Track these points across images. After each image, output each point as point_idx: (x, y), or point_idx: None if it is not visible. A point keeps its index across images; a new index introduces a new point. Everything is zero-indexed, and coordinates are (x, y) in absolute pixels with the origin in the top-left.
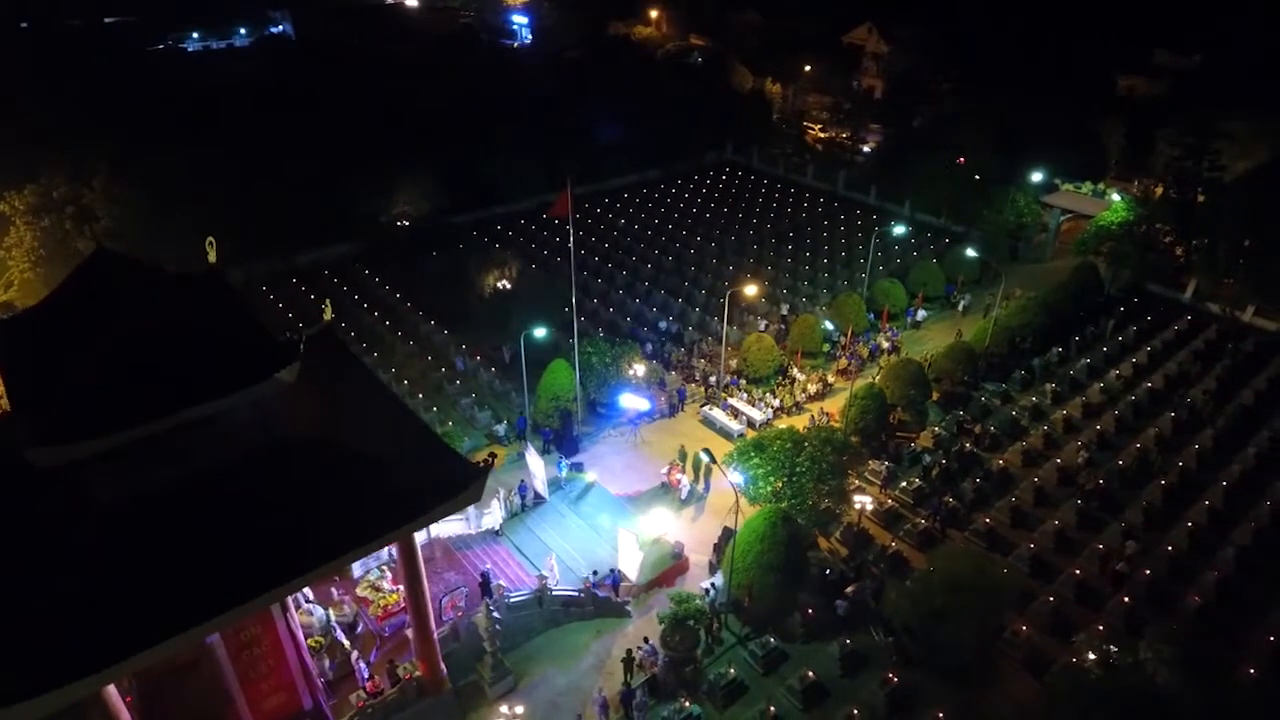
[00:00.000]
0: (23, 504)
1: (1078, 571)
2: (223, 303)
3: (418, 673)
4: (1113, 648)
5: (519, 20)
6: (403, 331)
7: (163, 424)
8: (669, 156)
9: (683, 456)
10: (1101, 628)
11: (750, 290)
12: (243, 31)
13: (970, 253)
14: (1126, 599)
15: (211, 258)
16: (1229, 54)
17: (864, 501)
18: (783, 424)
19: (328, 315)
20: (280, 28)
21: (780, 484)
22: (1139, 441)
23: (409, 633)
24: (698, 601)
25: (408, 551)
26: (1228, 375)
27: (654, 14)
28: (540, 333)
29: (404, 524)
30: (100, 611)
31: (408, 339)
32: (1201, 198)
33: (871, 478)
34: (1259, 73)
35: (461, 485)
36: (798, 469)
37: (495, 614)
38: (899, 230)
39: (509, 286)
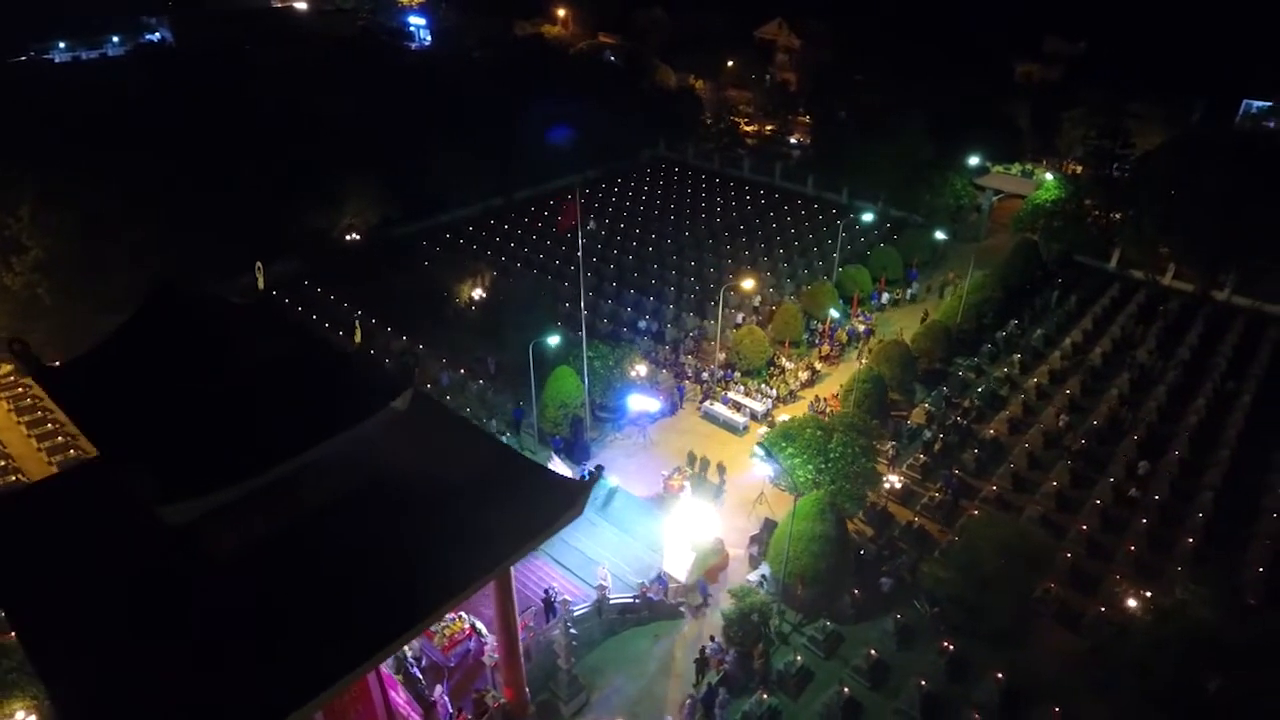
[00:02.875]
0: (138, 563)
1: (1084, 527)
2: (303, 332)
3: (504, 699)
4: (1148, 593)
5: (416, 22)
6: (373, 350)
7: (293, 464)
8: (605, 156)
9: (691, 461)
10: (1119, 576)
11: (747, 284)
12: (115, 40)
13: (940, 235)
14: (1132, 548)
15: (260, 284)
16: (1112, 41)
17: (891, 480)
18: (780, 413)
19: (357, 339)
20: (157, 35)
21: (816, 471)
22: (1105, 402)
23: (483, 660)
24: (759, 594)
25: (503, 576)
26: (1164, 335)
27: (561, 13)
28: (554, 340)
29: (516, 550)
30: (227, 688)
31: (381, 357)
32: (1118, 173)
33: (879, 457)
34: (1140, 57)
35: (568, 501)
36: (831, 455)
37: (572, 630)
38: (868, 217)
39: (484, 295)
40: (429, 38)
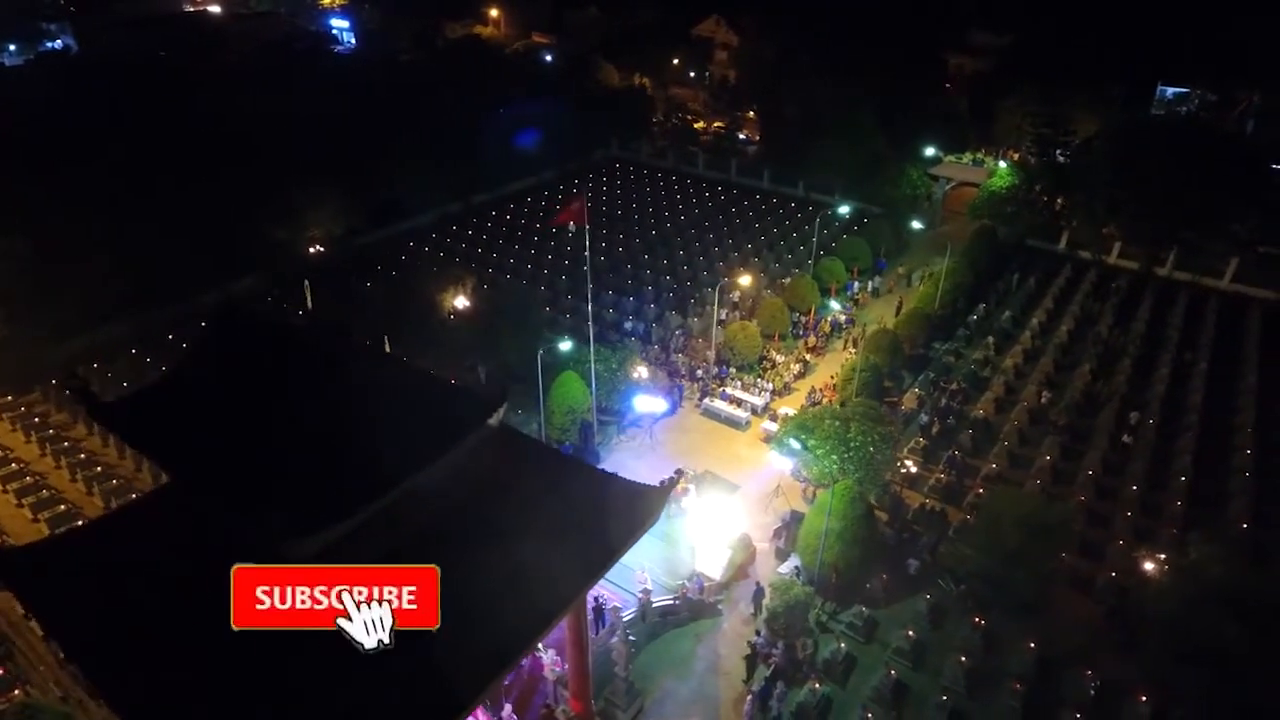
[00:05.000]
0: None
1: (1082, 498)
2: (373, 349)
3: (573, 713)
4: (1161, 555)
5: (339, 24)
6: None
7: (405, 487)
8: (559, 157)
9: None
10: (1121, 542)
11: (744, 280)
12: (12, 48)
13: (916, 224)
14: (1129, 514)
15: (309, 303)
16: (1035, 33)
17: (907, 465)
18: (779, 406)
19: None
20: (58, 43)
21: (840, 460)
22: (1078, 378)
23: (544, 674)
24: (799, 587)
25: None
26: (1119, 311)
27: (494, 13)
28: (565, 345)
29: (608, 561)
30: None
31: None
32: (1062, 159)
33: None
34: (1062, 48)
35: (648, 508)
36: (851, 444)
37: (631, 637)
38: (844, 210)
39: (468, 304)
40: (354, 40)
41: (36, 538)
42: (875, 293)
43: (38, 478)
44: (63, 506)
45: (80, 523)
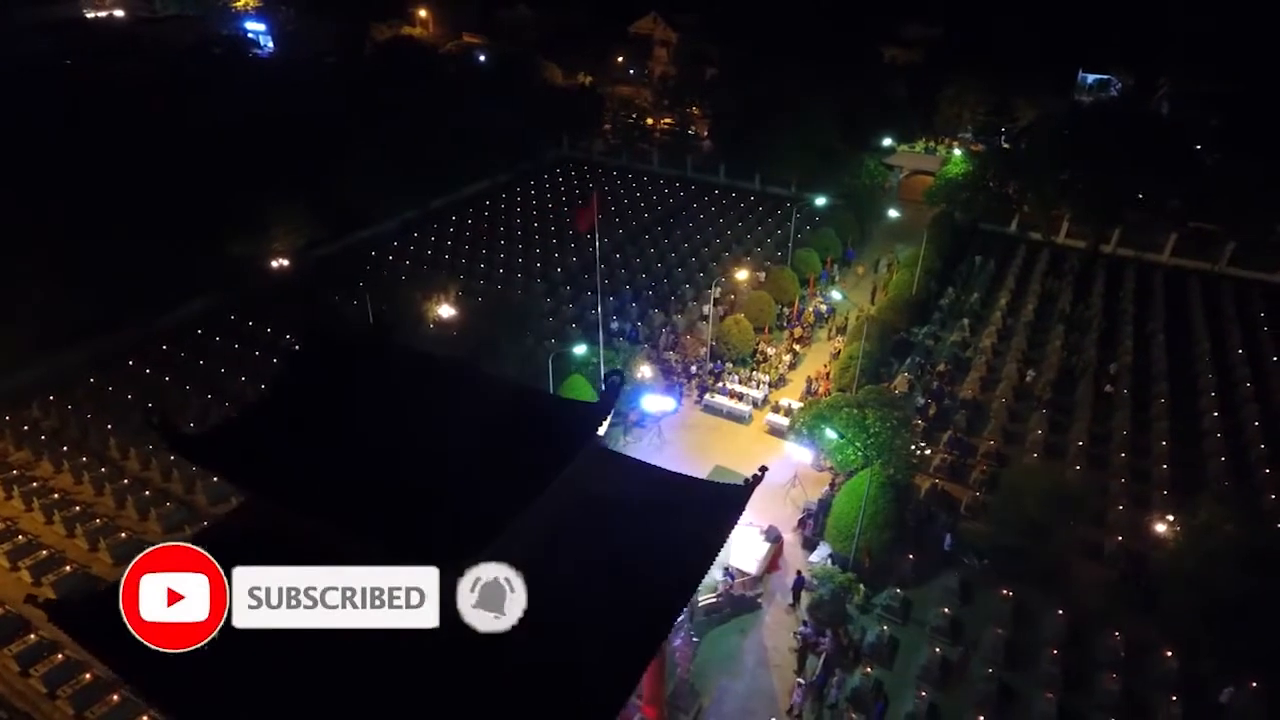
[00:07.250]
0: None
1: (1078, 468)
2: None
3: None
4: (1169, 517)
5: (255, 27)
6: None
7: (540, 497)
8: (512, 158)
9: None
10: (1121, 507)
11: (741, 275)
12: None
13: (893, 213)
14: (1123, 480)
15: (371, 318)
16: (962, 24)
17: (922, 447)
18: (778, 398)
19: None
20: None
21: (864, 446)
22: (1052, 353)
23: None
24: (840, 575)
25: None
26: (1077, 287)
27: (422, 14)
28: (580, 349)
29: (710, 563)
30: None
31: None
32: (1005, 145)
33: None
34: (989, 38)
35: (736, 506)
36: (870, 430)
37: (695, 638)
38: (820, 201)
39: (454, 312)
40: (271, 44)
41: (20, 588)
42: (833, 281)
43: (9, 522)
44: (45, 552)
45: (68, 567)
